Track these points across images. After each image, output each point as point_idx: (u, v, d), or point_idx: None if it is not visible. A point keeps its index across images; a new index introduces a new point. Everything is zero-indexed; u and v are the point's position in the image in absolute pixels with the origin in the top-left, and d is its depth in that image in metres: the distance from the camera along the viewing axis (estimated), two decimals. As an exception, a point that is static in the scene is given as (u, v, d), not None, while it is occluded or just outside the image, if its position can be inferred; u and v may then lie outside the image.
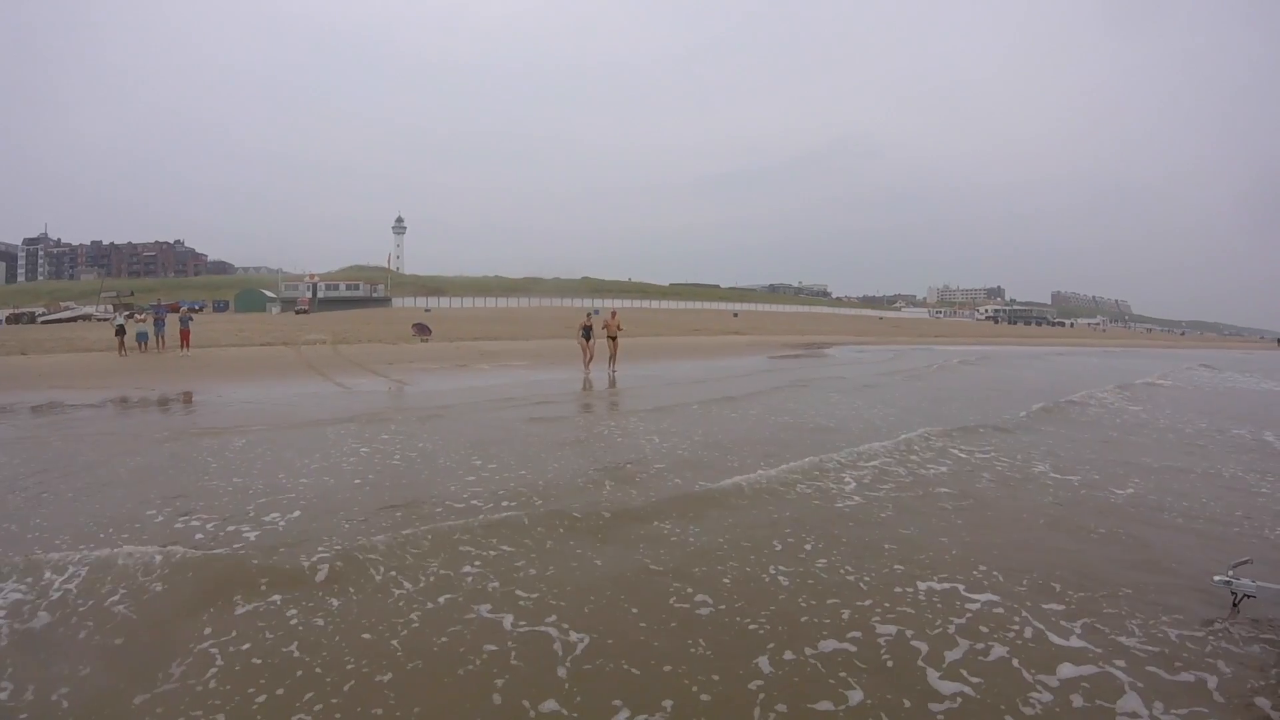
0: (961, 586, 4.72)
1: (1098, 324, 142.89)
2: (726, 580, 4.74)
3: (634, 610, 4.28)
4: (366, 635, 3.92)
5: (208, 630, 3.93)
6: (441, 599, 4.37)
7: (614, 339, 19.41)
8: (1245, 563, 4.55)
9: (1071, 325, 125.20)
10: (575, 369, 19.04)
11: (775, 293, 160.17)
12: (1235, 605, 4.50)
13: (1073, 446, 9.63)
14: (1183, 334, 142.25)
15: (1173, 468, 8.57)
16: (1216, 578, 4.54)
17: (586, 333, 19.14)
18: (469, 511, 5.97)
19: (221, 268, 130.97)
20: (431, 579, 4.61)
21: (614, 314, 20.44)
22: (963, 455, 8.80)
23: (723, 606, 4.35)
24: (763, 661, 3.74)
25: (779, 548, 5.34)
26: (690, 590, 4.56)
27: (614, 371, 18.77)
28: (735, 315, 62.29)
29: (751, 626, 4.11)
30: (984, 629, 4.15)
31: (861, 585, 4.72)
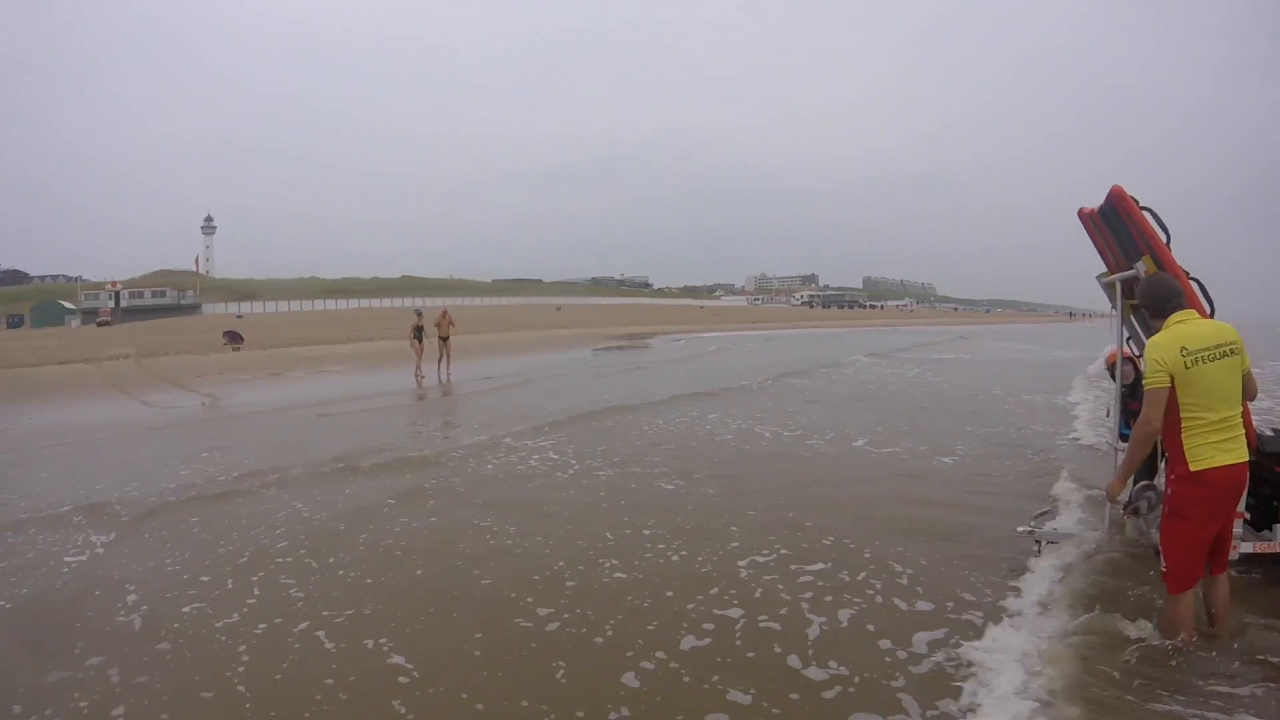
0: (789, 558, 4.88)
1: (906, 305, 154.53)
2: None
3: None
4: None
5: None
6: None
7: (446, 339, 18.64)
8: (1045, 512, 4.99)
9: (882, 307, 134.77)
10: (400, 372, 18.17)
11: (598, 285, 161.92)
12: (1038, 552, 4.91)
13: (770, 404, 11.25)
14: (987, 312, 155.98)
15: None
16: (1020, 528, 4.94)
17: (418, 333, 18.23)
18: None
19: (16, 277, 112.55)
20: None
21: (445, 312, 19.31)
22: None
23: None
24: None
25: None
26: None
27: (449, 373, 17.88)
28: (559, 309, 62.53)
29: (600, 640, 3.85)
30: (829, 598, 4.24)
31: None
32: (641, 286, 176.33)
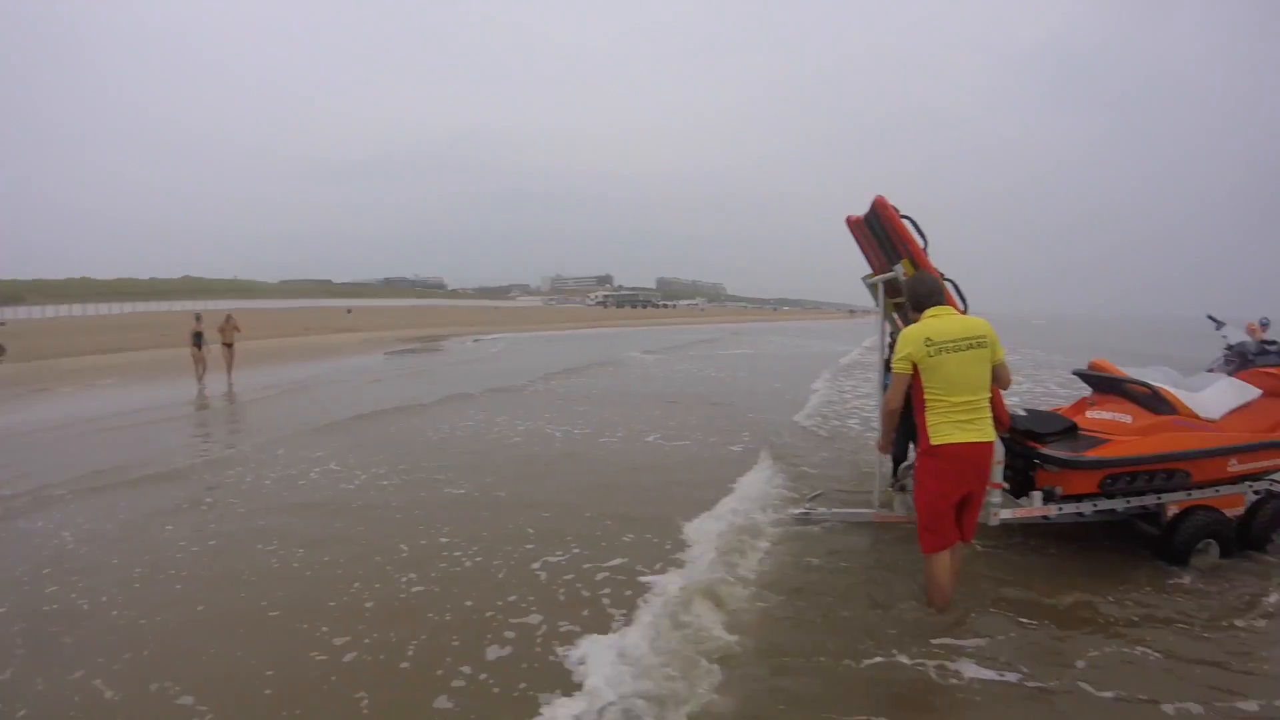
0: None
1: (697, 304, 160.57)
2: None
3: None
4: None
5: None
6: None
7: (230, 345, 17.22)
8: (819, 495, 5.48)
9: (675, 306, 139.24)
10: (179, 383, 16.56)
11: (391, 287, 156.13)
12: (817, 529, 5.40)
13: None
14: (775, 309, 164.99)
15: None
16: (796, 512, 5.39)
17: (198, 340, 16.47)
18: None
19: None
20: None
21: (228, 317, 17.80)
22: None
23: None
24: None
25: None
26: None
27: (232, 382, 16.47)
28: (349, 312, 59.41)
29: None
30: (628, 592, 4.36)
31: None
32: (436, 288, 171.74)
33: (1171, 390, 5.00)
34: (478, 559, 5.00)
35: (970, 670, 3.50)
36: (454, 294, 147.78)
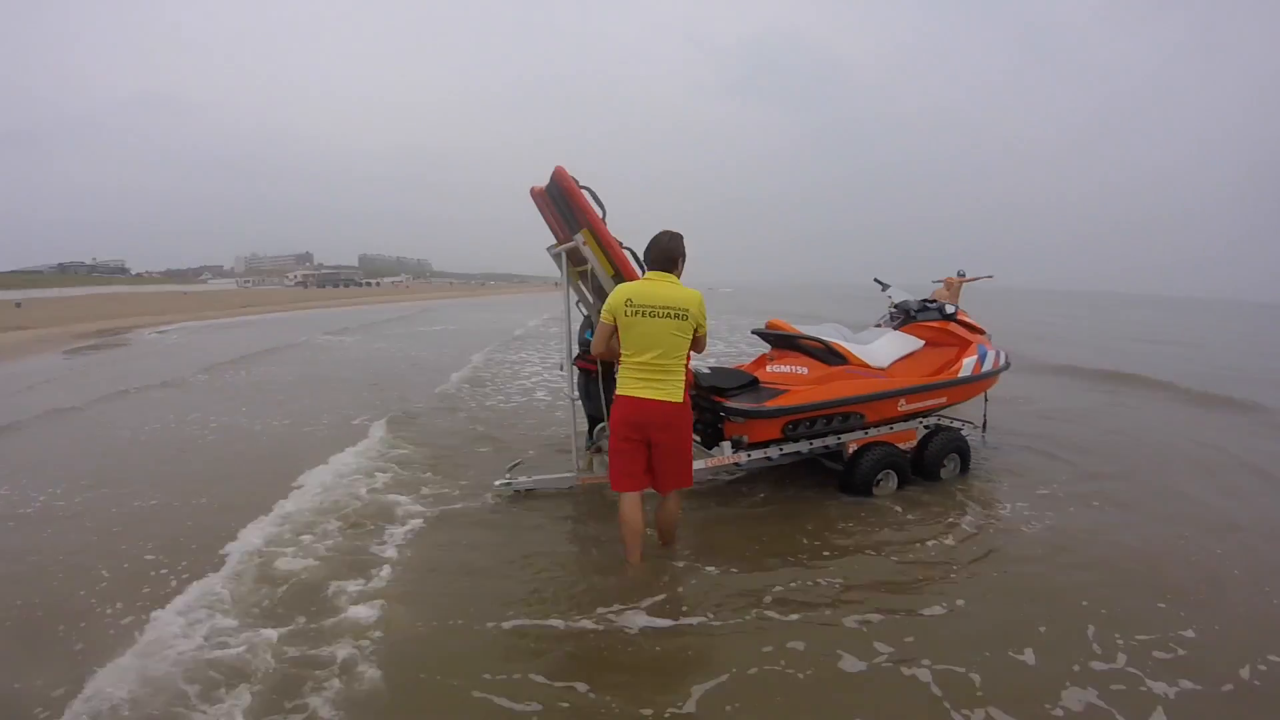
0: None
1: (401, 281, 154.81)
2: None
3: None
4: None
5: None
6: None
7: None
8: (518, 464, 5.55)
9: (378, 284, 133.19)
10: None
11: (67, 273, 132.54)
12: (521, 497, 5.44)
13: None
14: (482, 284, 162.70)
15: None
16: (498, 482, 5.42)
17: None
18: None
19: None
20: None
21: None
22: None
23: None
24: None
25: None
26: None
27: None
28: (18, 305, 49.37)
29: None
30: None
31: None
32: (118, 272, 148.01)
33: (843, 344, 5.68)
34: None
35: (641, 620, 3.64)
36: (139, 279, 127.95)
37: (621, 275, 4.92)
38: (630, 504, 4.18)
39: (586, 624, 3.63)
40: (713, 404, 5.27)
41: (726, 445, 5.28)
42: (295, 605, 3.79)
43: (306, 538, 4.66)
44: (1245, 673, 3.36)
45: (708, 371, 5.50)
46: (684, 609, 3.79)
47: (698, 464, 5.07)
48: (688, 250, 4.19)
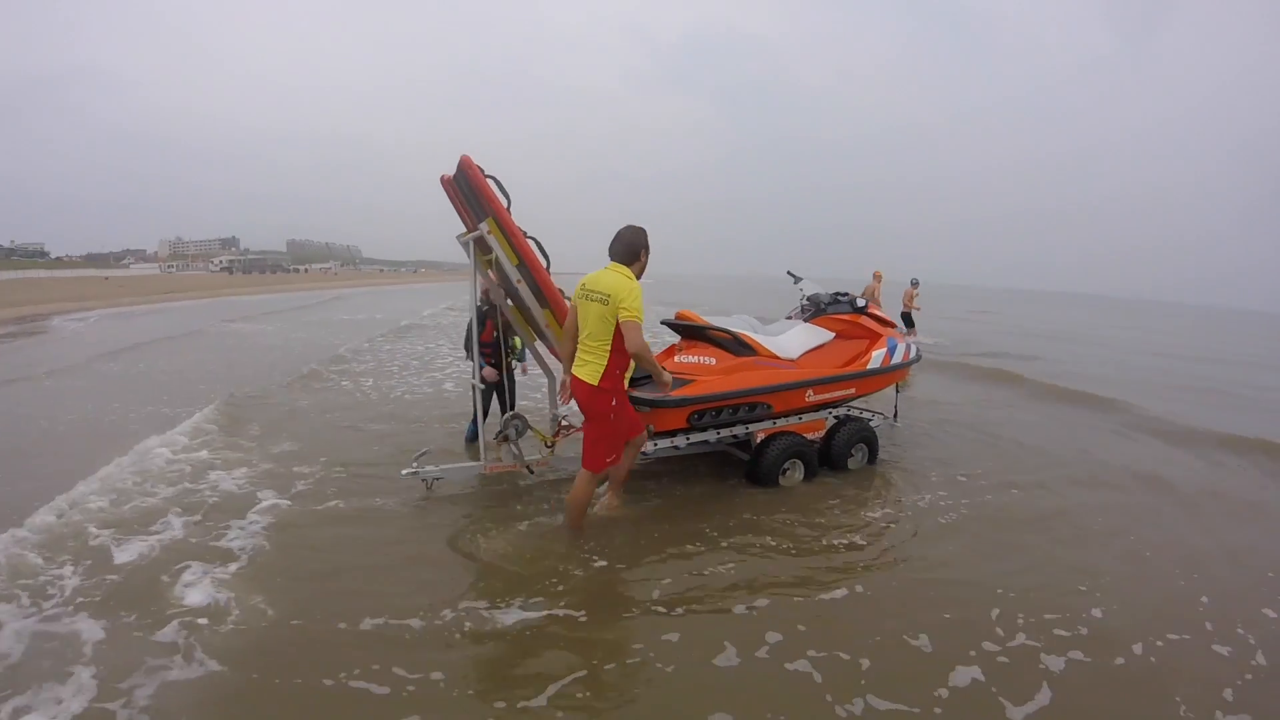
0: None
1: (330, 268, 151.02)
2: None
3: None
4: None
5: None
6: None
7: None
8: (425, 453, 5.44)
9: (306, 271, 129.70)
10: None
11: None
12: (430, 488, 5.31)
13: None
14: (413, 272, 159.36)
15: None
16: (405, 471, 5.32)
17: None
18: None
19: None
20: None
21: None
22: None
23: None
24: None
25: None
26: None
27: None
28: None
29: None
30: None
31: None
32: (36, 256, 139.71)
33: (752, 335, 5.66)
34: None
35: (513, 616, 3.57)
36: (58, 263, 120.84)
37: (526, 264, 4.86)
38: (580, 476, 4.49)
39: (453, 617, 3.54)
40: None
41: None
42: (133, 597, 3.63)
43: (154, 527, 4.50)
44: (1139, 649, 3.47)
45: None
46: (561, 604, 3.71)
47: None
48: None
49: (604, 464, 4.40)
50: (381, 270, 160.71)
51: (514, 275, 4.90)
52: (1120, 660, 3.38)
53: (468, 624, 3.48)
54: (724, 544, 4.52)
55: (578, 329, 4.36)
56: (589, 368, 4.24)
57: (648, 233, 4.32)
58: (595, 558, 4.26)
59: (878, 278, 15.34)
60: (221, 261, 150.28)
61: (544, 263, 4.91)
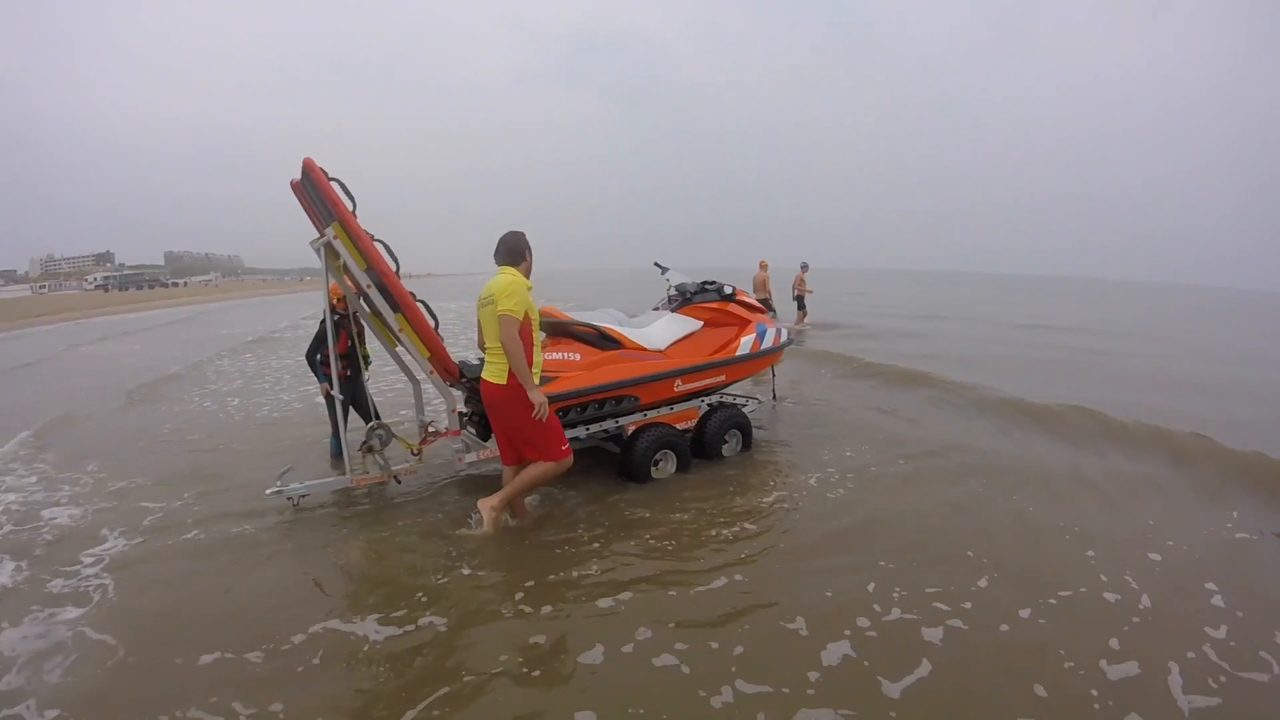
0: None
1: (211, 280, 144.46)
2: None
3: None
4: None
5: None
6: None
7: None
8: (288, 470, 5.19)
9: (185, 284, 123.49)
10: None
11: None
12: (296, 505, 5.08)
13: None
14: (301, 280, 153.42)
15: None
16: (269, 490, 5.05)
17: None
18: None
19: None
20: None
21: None
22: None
23: None
24: None
25: None
26: None
27: None
28: None
29: None
30: None
31: None
32: None
33: (617, 329, 5.61)
34: None
35: (373, 633, 3.44)
36: None
37: (374, 268, 4.67)
38: (506, 476, 4.64)
39: (305, 641, 3.37)
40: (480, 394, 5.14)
41: None
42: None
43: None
44: (1026, 613, 3.55)
45: (476, 362, 5.33)
46: (424, 616, 3.58)
47: (469, 457, 5.12)
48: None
49: (558, 452, 4.47)
50: (265, 280, 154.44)
51: (363, 280, 4.71)
52: (1005, 627, 3.44)
53: (322, 648, 3.30)
54: (597, 543, 4.44)
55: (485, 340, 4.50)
56: (495, 368, 4.32)
57: (526, 235, 4.47)
58: (463, 565, 4.13)
59: (764, 266, 15.96)
60: (96, 279, 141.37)
61: (393, 266, 4.73)
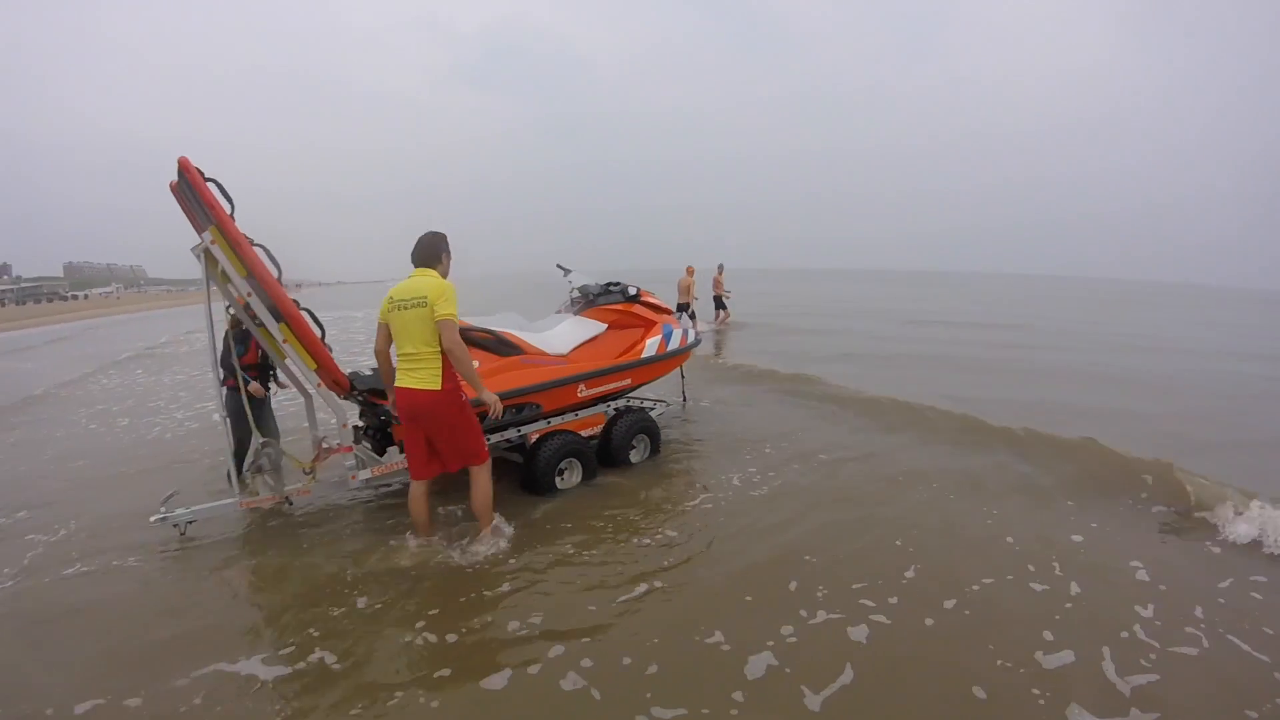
0: None
1: (112, 292, 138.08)
2: None
3: None
4: None
5: None
6: None
7: None
8: (173, 495, 4.79)
9: (86, 297, 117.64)
10: None
11: None
12: (183, 533, 4.73)
13: None
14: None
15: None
16: (153, 518, 4.66)
17: None
18: None
19: None
20: None
21: None
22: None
23: None
24: None
25: None
26: None
27: None
28: None
29: None
30: None
31: None
32: None
33: (517, 334, 5.33)
34: None
35: (259, 672, 3.17)
36: None
37: (254, 275, 4.31)
38: (415, 491, 4.34)
39: (187, 685, 3.07)
40: (374, 406, 4.86)
41: (394, 450, 4.83)
42: None
43: None
44: (952, 603, 3.51)
45: (369, 372, 5.03)
46: (315, 652, 3.31)
47: (363, 473, 4.76)
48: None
49: (483, 453, 4.34)
50: (169, 290, 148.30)
51: (244, 288, 4.34)
52: (930, 621, 3.39)
53: (205, 690, 3.02)
54: (511, 560, 4.20)
55: (390, 346, 4.30)
56: (422, 374, 4.08)
57: (447, 237, 4.28)
58: (360, 594, 3.83)
59: (690, 272, 16.36)
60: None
61: (275, 272, 4.38)
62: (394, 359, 4.30)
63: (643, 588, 3.77)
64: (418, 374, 4.08)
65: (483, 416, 4.88)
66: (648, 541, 4.41)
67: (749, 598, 3.62)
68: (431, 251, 4.19)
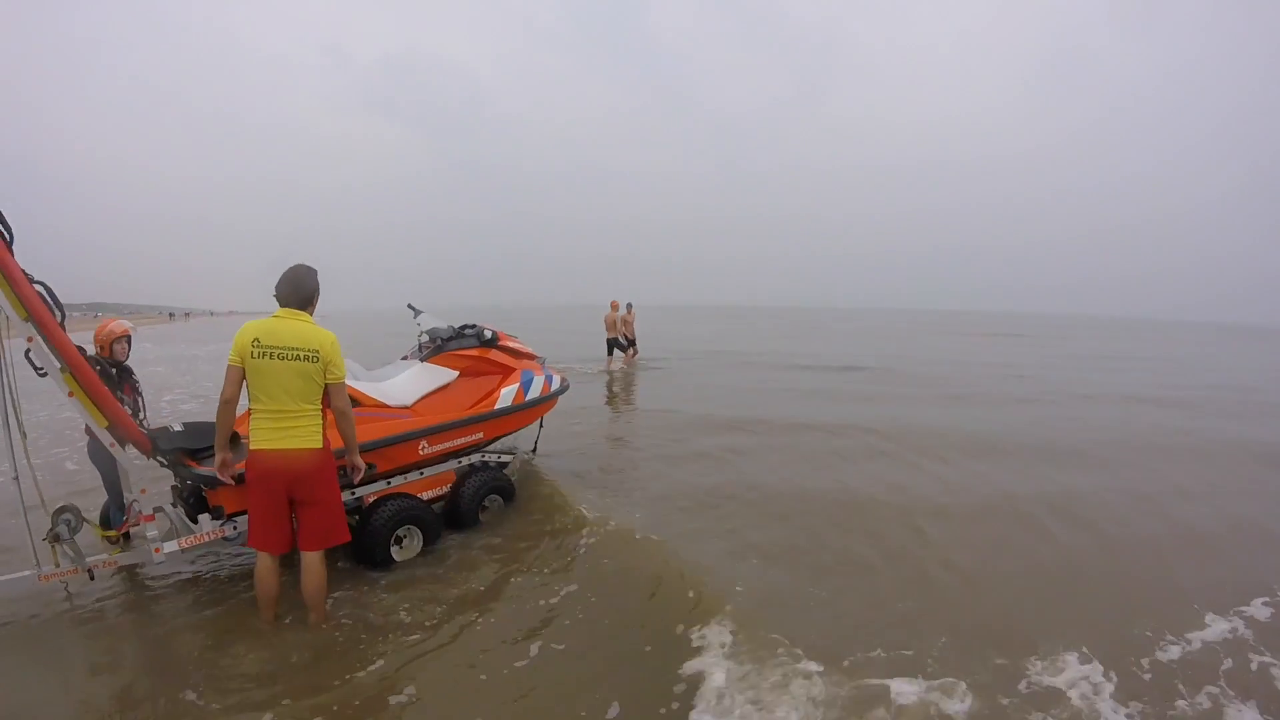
0: None
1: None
2: None
3: None
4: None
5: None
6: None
7: None
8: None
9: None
10: None
11: None
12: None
13: None
14: (95, 317, 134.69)
15: None
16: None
17: None
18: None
19: None
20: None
21: None
22: None
23: None
24: None
25: None
26: None
27: None
28: None
29: None
30: None
31: None
32: None
33: (352, 383, 4.65)
34: None
35: None
36: None
37: (35, 319, 3.69)
38: (265, 565, 3.78)
39: None
40: (184, 469, 4.32)
41: (206, 518, 4.27)
42: None
43: None
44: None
45: (179, 429, 4.48)
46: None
47: (168, 546, 4.17)
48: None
49: (346, 533, 3.89)
50: (98, 316, 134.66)
51: (22, 332, 3.71)
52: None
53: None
54: (389, 633, 3.82)
55: (241, 396, 3.67)
56: (303, 432, 3.61)
57: (317, 273, 3.80)
58: (190, 689, 3.32)
59: (614, 306, 16.53)
60: None
61: (56, 316, 3.80)
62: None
63: (536, 647, 3.59)
64: (296, 433, 3.59)
65: None
66: (538, 596, 4.21)
67: (647, 648, 3.53)
68: (306, 292, 3.71)
